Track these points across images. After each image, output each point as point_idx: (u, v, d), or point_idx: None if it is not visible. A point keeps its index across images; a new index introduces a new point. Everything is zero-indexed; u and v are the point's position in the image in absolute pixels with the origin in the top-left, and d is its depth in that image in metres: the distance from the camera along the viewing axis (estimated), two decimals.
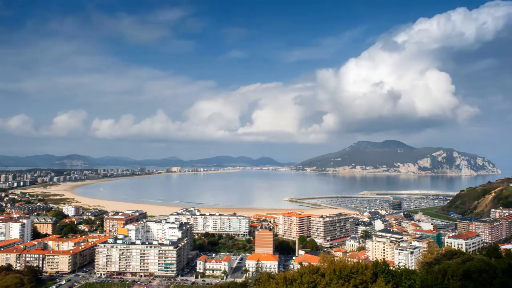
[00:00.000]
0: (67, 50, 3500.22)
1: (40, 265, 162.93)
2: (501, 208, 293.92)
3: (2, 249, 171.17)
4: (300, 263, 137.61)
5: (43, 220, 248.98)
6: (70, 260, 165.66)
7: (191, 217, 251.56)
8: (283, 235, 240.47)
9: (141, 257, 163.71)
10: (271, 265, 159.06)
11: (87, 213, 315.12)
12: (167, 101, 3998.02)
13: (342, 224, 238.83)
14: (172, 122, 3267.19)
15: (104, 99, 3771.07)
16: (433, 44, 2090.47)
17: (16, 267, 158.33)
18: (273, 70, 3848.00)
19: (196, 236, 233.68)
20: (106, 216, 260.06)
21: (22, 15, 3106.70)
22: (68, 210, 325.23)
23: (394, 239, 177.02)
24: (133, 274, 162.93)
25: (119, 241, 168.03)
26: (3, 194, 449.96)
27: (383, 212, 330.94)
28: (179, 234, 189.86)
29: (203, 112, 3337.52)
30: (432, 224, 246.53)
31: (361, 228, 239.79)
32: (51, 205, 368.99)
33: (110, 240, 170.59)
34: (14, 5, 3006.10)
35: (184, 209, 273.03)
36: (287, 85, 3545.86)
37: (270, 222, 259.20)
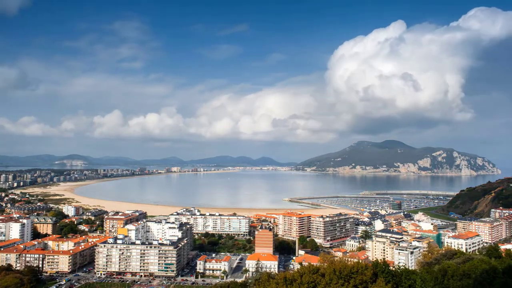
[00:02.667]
0: (118, 56, 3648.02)
1: (40, 265, 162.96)
2: (501, 208, 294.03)
3: (2, 249, 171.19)
4: (300, 263, 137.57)
5: (43, 220, 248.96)
6: (70, 260, 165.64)
7: (191, 217, 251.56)
8: (283, 235, 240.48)
9: (141, 257, 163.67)
10: (271, 265, 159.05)
11: (87, 213, 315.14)
12: (189, 104, 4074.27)
13: (342, 224, 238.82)
14: (181, 122, 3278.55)
15: (132, 102, 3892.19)
16: (441, 43, 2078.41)
17: (16, 267, 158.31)
18: (308, 72, 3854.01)
19: (196, 236, 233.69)
20: (106, 216, 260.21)
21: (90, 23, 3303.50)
22: (68, 210, 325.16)
23: (394, 239, 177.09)
24: (133, 274, 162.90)
25: (119, 241, 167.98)
26: (3, 194, 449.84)
27: (383, 212, 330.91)
28: (179, 234, 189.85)
29: (211, 113, 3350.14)
30: (432, 224, 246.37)
31: (361, 228, 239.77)
32: (51, 205, 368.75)
33: (110, 240, 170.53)
34: (85, 14, 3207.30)
35: (184, 209, 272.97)
36: (311, 86, 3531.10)
37: (270, 222, 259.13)
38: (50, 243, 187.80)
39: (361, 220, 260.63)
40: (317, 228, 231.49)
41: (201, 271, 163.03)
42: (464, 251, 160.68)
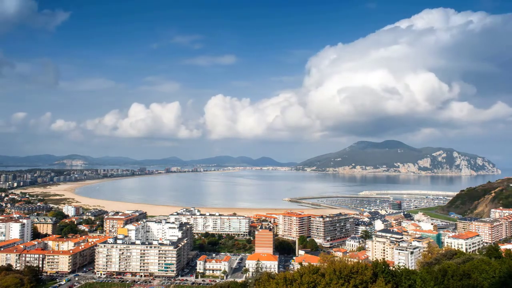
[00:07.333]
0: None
1: (40, 265, 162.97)
2: (501, 208, 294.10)
3: (2, 249, 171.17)
4: (300, 263, 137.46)
5: (43, 220, 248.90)
6: (70, 260, 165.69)
7: (191, 217, 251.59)
8: (283, 235, 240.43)
9: (141, 257, 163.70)
10: (271, 265, 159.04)
11: (87, 213, 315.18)
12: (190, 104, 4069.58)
13: (342, 224, 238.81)
14: (181, 122, 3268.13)
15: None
16: (439, 40, 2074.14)
17: (16, 267, 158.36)
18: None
19: (196, 236, 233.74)
20: (106, 216, 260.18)
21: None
22: (68, 210, 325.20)
23: (394, 239, 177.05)
24: (133, 274, 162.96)
25: (119, 241, 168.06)
26: (3, 194, 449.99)
27: (383, 212, 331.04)
28: (179, 234, 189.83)
29: (212, 113, 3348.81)
30: (432, 224, 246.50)
31: (361, 228, 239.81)
32: (51, 205, 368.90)
33: (110, 240, 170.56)
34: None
35: (184, 209, 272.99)
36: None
37: (270, 222, 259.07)
38: (50, 243, 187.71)
39: (361, 220, 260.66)
40: (317, 228, 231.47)
41: (201, 271, 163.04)
42: (464, 251, 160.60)
